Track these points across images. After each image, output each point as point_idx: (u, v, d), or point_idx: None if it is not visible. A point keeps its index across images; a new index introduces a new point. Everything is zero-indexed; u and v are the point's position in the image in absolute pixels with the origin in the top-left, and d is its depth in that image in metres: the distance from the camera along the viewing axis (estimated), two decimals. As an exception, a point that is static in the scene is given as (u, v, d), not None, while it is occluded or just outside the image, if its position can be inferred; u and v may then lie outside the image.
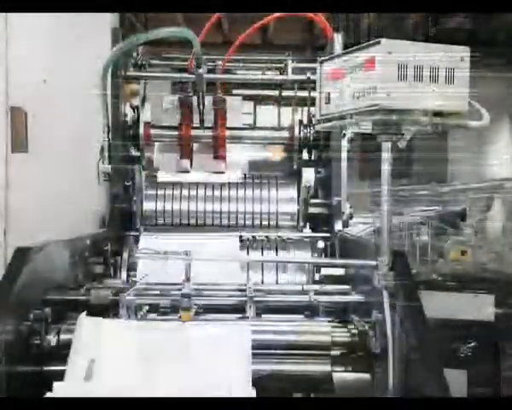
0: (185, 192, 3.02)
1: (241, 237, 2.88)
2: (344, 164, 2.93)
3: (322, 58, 1.97)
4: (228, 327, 1.97)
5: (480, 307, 4.01)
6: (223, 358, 1.83)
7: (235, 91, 3.34)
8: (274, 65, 3.28)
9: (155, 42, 2.72)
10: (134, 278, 2.55)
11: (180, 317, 2.10)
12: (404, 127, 1.82)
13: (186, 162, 3.05)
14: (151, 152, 3.13)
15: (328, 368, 2.05)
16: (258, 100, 3.35)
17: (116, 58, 2.72)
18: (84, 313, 1.96)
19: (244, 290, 2.34)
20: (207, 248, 2.72)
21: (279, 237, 2.92)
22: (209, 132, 3.04)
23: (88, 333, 1.86)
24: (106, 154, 2.88)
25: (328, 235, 2.89)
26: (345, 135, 2.89)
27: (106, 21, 3.60)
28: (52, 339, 1.89)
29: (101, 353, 1.83)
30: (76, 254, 2.25)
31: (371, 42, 1.74)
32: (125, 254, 2.58)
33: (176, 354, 1.83)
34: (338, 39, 2.82)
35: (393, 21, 7.34)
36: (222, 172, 3.08)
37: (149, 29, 2.72)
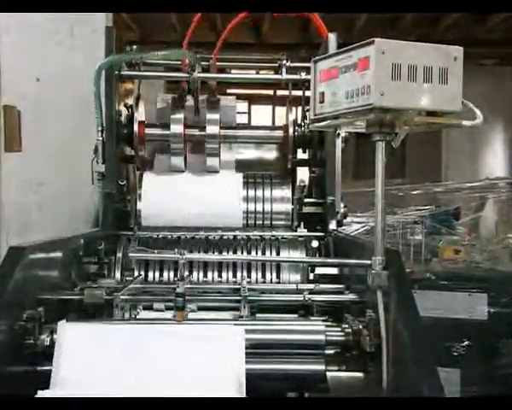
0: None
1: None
2: (338, 163, 2.94)
3: (317, 57, 1.97)
4: (221, 326, 1.97)
5: (474, 306, 4.02)
6: (216, 357, 1.82)
7: (229, 91, 3.33)
8: (268, 64, 3.27)
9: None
10: (128, 278, 2.55)
11: (175, 316, 2.10)
12: (398, 127, 1.83)
13: (180, 161, 3.03)
14: (145, 151, 3.11)
15: (322, 367, 2.05)
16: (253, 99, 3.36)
17: (109, 65, 2.72)
18: (64, 320, 1.93)
19: (238, 290, 2.34)
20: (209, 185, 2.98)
21: (273, 236, 2.92)
22: (203, 131, 3.03)
23: (70, 340, 1.83)
24: (100, 153, 2.86)
25: (322, 234, 2.90)
26: (339, 134, 2.92)
27: (100, 20, 3.60)
28: (45, 339, 1.88)
29: (87, 359, 1.80)
30: (70, 254, 2.25)
31: (365, 41, 1.74)
32: (119, 254, 2.57)
33: (167, 355, 1.82)
34: (332, 39, 2.82)
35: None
36: (216, 172, 3.07)
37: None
